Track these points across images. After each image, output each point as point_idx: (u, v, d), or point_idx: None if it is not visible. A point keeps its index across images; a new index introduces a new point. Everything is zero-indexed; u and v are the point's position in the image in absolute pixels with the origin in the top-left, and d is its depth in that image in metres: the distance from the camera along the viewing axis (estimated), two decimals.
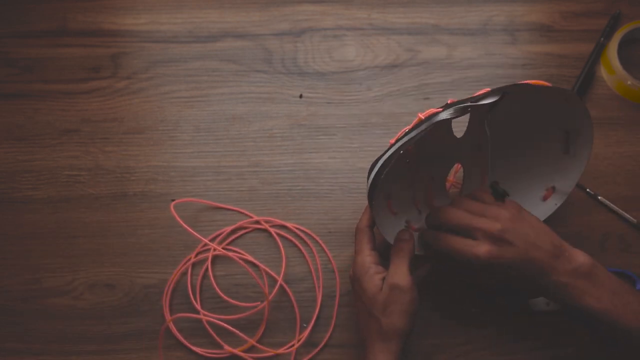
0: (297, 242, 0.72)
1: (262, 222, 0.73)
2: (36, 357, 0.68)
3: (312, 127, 0.76)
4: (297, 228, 0.72)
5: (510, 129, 0.66)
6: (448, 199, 0.68)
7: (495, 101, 0.56)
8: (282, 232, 0.72)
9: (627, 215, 0.72)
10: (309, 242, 0.72)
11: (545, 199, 0.67)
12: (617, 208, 0.72)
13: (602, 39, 0.78)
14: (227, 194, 0.74)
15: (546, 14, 0.80)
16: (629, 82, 0.74)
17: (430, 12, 0.80)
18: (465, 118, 0.63)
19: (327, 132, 0.76)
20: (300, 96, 0.77)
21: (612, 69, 0.76)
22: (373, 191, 0.59)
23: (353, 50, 0.79)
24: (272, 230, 0.72)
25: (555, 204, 0.67)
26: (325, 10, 0.81)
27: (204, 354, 0.68)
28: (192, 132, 0.76)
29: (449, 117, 0.56)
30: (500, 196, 0.62)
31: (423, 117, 0.57)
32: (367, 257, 0.61)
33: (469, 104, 0.56)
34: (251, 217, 0.73)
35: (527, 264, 0.55)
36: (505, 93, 0.57)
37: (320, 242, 0.72)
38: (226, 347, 0.68)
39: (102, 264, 0.71)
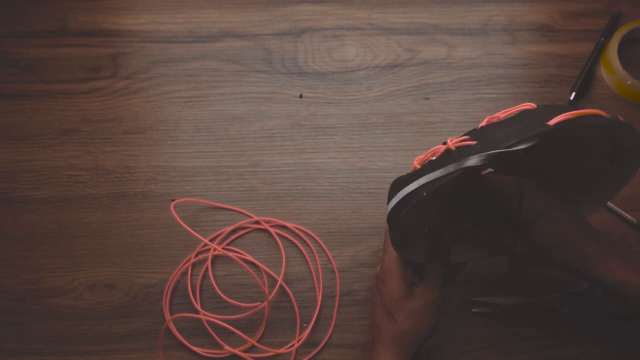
0: (297, 242, 0.72)
1: (262, 222, 0.73)
2: (36, 357, 0.68)
3: (312, 127, 0.76)
4: (297, 228, 0.72)
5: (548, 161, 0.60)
6: None
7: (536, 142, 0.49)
8: (282, 232, 0.72)
9: (627, 216, 0.72)
10: (309, 242, 0.72)
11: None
12: (617, 208, 0.72)
13: (602, 39, 0.78)
14: (227, 194, 0.74)
15: (546, 14, 0.80)
16: (629, 82, 0.74)
17: (430, 12, 0.80)
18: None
19: (327, 132, 0.76)
20: (300, 96, 0.77)
21: (612, 69, 0.76)
22: (392, 220, 0.56)
23: (353, 50, 0.79)
24: (272, 230, 0.72)
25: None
26: (325, 10, 0.81)
27: (204, 354, 0.68)
28: (192, 132, 0.76)
29: (479, 163, 0.50)
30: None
31: (454, 148, 0.52)
32: (395, 258, 0.61)
33: (505, 150, 0.49)
34: (251, 217, 0.73)
35: None
36: (548, 134, 0.49)
37: (320, 242, 0.72)
38: (226, 347, 0.68)
39: (102, 264, 0.71)
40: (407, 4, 0.81)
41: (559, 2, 0.81)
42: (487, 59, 0.78)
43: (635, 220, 0.72)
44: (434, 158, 0.54)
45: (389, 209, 0.56)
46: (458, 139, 0.53)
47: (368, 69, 0.78)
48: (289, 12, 0.81)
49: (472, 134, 0.53)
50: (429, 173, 0.52)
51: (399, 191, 0.55)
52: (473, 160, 0.50)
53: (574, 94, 0.76)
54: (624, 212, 0.72)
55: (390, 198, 0.56)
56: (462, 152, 0.51)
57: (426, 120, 0.76)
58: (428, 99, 0.77)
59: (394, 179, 0.57)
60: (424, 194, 0.52)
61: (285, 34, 0.80)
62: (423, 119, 0.76)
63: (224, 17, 0.80)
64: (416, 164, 0.56)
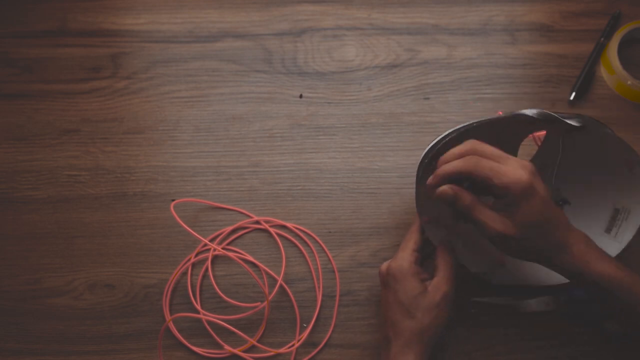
0: (297, 242, 0.72)
1: (262, 222, 0.73)
2: (36, 357, 0.68)
3: (312, 127, 0.76)
4: (297, 228, 0.72)
5: (579, 155, 0.66)
6: None
7: (577, 127, 0.58)
8: (282, 232, 0.72)
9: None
10: (309, 242, 0.72)
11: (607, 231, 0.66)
12: None
13: (602, 39, 0.78)
14: (227, 194, 0.74)
15: (546, 14, 0.80)
16: (629, 82, 0.74)
17: (430, 12, 0.80)
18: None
19: (327, 132, 0.76)
20: (300, 96, 0.77)
21: (612, 69, 0.76)
22: (420, 169, 0.60)
23: (353, 50, 0.79)
24: (272, 230, 0.72)
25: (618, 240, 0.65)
26: (325, 10, 0.81)
27: (204, 354, 0.68)
28: (192, 132, 0.76)
29: (531, 115, 0.57)
30: (561, 203, 0.63)
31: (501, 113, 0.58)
32: (410, 257, 0.62)
33: (557, 115, 0.57)
34: (251, 217, 0.73)
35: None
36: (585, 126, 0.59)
37: (320, 242, 0.72)
38: (226, 347, 0.68)
39: (102, 264, 0.71)
40: (407, 4, 0.81)
41: (559, 2, 0.81)
42: (487, 59, 0.78)
43: None
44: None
45: (422, 156, 0.60)
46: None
47: (368, 69, 0.78)
48: (289, 12, 0.81)
49: None
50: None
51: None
52: (526, 111, 0.58)
53: (574, 94, 0.76)
54: None
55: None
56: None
57: (426, 120, 0.76)
58: (428, 99, 0.77)
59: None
60: (470, 125, 0.58)
61: (285, 34, 0.80)
62: (423, 119, 0.76)
63: (224, 17, 0.80)
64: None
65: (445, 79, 0.78)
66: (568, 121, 0.58)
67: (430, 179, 0.57)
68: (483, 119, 0.60)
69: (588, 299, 0.68)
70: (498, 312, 0.69)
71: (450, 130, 0.60)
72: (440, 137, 0.60)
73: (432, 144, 0.60)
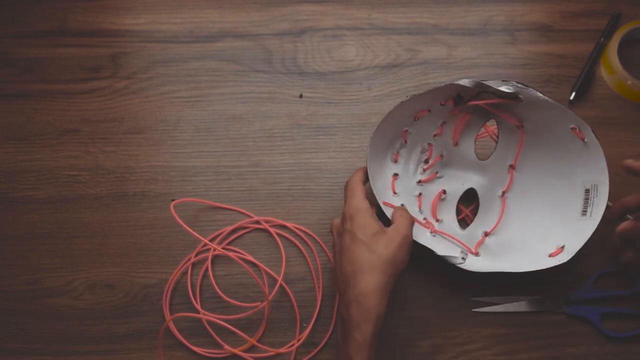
0: (297, 242, 0.72)
1: (262, 222, 0.73)
2: (36, 357, 0.68)
3: (312, 127, 0.76)
4: (297, 228, 0.72)
5: (533, 179, 0.69)
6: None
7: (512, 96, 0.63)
8: (282, 232, 0.72)
9: (627, 216, 0.72)
10: (309, 242, 0.72)
11: (553, 255, 0.65)
12: None
13: (602, 39, 0.78)
14: (227, 194, 0.74)
15: (546, 14, 0.80)
16: (629, 82, 0.74)
17: (430, 12, 0.80)
18: None
19: (327, 132, 0.76)
20: (300, 96, 0.77)
21: (612, 69, 0.76)
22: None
23: (353, 50, 0.79)
24: (272, 230, 0.72)
25: (560, 261, 0.64)
26: (325, 10, 0.81)
27: (204, 354, 0.68)
28: (192, 132, 0.76)
29: (465, 84, 0.63)
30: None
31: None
32: (364, 200, 0.62)
33: (490, 85, 0.62)
34: (251, 217, 0.73)
35: None
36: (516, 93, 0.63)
37: (320, 242, 0.72)
38: (226, 347, 0.68)
39: (102, 264, 0.71)
40: (407, 4, 0.81)
41: (559, 2, 0.81)
42: (487, 59, 0.78)
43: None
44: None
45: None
46: None
47: (368, 69, 0.78)
48: (289, 12, 0.81)
49: None
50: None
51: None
52: (462, 81, 0.63)
53: (574, 94, 0.76)
54: None
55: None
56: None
57: None
58: None
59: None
60: (413, 96, 0.64)
61: (285, 34, 0.80)
62: None
63: (224, 17, 0.80)
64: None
65: (446, 79, 0.78)
66: (501, 88, 0.62)
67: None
68: (423, 91, 0.64)
69: (590, 298, 0.69)
70: (498, 312, 0.69)
71: (397, 104, 0.64)
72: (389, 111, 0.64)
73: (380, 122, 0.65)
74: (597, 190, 0.64)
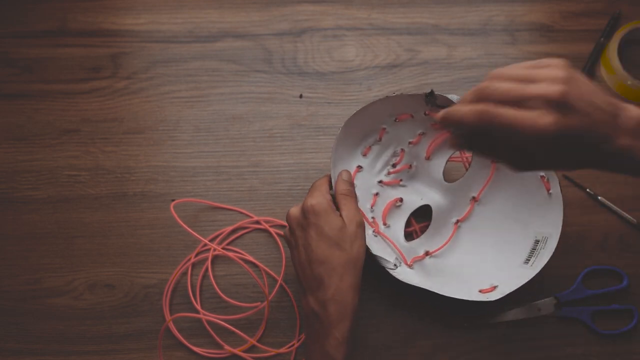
0: None
1: (262, 222, 0.73)
2: (36, 357, 0.68)
3: (312, 127, 0.76)
4: None
5: (491, 216, 0.70)
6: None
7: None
8: (282, 232, 0.72)
9: (627, 215, 0.72)
10: None
11: (483, 291, 0.65)
12: (617, 208, 0.72)
13: (602, 39, 0.78)
14: (227, 194, 0.74)
15: (546, 14, 0.80)
16: (629, 82, 0.74)
17: (430, 12, 0.80)
18: None
19: (327, 132, 0.76)
20: (300, 96, 0.77)
21: (612, 69, 0.76)
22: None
23: (353, 50, 0.79)
24: (272, 230, 0.72)
25: (487, 298, 0.63)
26: (325, 10, 0.81)
27: (204, 354, 0.68)
28: (192, 132, 0.76)
29: (393, 94, 0.65)
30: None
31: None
32: (327, 195, 0.63)
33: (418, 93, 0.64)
34: (251, 217, 0.73)
35: (592, 129, 0.47)
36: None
37: None
38: (226, 347, 0.68)
39: (102, 264, 0.71)
40: (407, 4, 0.81)
41: (559, 2, 0.81)
42: (487, 59, 0.78)
43: (635, 220, 0.72)
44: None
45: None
46: None
47: (368, 69, 0.78)
48: (289, 12, 0.81)
49: None
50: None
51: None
52: (453, 97, 0.63)
53: None
54: (624, 212, 0.72)
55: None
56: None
57: None
58: None
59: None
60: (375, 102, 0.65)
61: (285, 34, 0.80)
62: None
63: (224, 17, 0.80)
64: None
65: (445, 79, 0.78)
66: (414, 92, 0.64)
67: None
68: (415, 92, 0.65)
69: (580, 298, 0.69)
70: (487, 323, 0.69)
71: (382, 97, 0.65)
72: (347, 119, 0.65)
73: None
74: (545, 243, 0.65)
